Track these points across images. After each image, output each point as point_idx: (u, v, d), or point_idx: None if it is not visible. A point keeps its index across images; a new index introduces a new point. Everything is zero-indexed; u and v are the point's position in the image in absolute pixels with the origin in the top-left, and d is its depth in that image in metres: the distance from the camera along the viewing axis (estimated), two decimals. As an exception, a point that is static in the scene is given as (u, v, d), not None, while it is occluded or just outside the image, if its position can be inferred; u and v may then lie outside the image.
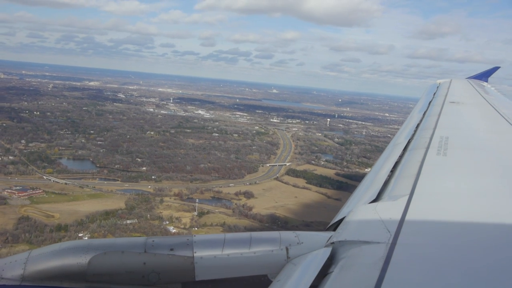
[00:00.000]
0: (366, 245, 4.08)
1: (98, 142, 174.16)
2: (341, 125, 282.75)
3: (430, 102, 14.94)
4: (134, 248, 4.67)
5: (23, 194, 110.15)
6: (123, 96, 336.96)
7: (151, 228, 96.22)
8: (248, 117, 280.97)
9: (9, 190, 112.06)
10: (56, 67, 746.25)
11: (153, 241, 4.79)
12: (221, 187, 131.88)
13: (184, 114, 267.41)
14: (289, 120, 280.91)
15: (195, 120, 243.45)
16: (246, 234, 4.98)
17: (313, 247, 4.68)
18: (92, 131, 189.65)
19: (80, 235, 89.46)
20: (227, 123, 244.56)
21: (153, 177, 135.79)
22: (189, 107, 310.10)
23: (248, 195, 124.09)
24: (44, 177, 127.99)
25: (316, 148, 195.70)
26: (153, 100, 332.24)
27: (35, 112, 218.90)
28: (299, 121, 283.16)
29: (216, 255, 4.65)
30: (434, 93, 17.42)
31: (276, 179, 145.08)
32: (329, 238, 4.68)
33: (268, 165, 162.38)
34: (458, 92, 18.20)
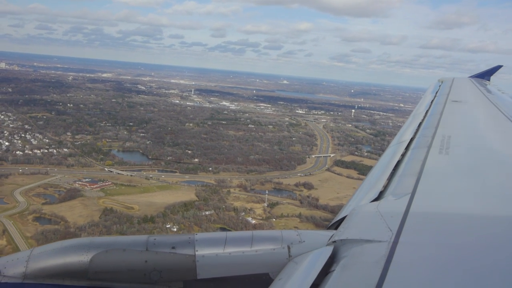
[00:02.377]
0: (368, 243, 4.09)
1: (141, 134, 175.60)
2: (364, 116, 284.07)
3: (432, 100, 14.89)
4: (136, 246, 4.72)
5: (94, 186, 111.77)
6: (143, 88, 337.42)
7: (230, 219, 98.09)
8: (273, 108, 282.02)
9: (80, 182, 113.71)
10: (65, 58, 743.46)
11: (154, 239, 4.83)
12: (278, 178, 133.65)
13: (211, 106, 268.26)
14: (314, 111, 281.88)
15: (225, 112, 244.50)
16: (248, 233, 5.03)
17: (314, 245, 4.72)
18: (131, 123, 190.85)
19: (167, 226, 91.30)
20: (256, 114, 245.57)
21: (210, 168, 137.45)
22: (211, 98, 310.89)
23: (308, 186, 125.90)
24: (106, 169, 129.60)
25: (353, 139, 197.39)
26: (173, 91, 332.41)
27: (68, 105, 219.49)
28: (323, 112, 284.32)
29: (217, 253, 4.71)
30: (437, 92, 17.34)
31: (328, 170, 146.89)
32: (331, 236, 4.70)
33: (313, 156, 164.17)
34: (460, 90, 18.21)
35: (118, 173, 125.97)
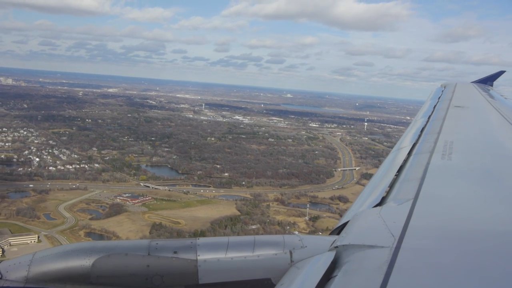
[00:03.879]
0: (370, 249, 4.06)
1: (165, 149, 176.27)
2: (376, 129, 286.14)
3: (435, 106, 14.83)
4: (138, 250, 4.71)
5: (136, 201, 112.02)
6: (154, 102, 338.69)
7: (277, 233, 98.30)
8: (286, 122, 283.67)
9: (121, 198, 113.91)
10: (68, 74, 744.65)
11: (157, 243, 4.82)
12: (312, 192, 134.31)
13: (225, 120, 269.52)
14: (327, 125, 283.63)
15: (241, 126, 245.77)
16: (250, 238, 5.00)
17: (317, 251, 4.71)
18: (153, 138, 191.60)
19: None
20: (272, 128, 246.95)
21: (243, 183, 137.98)
22: (223, 112, 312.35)
23: (343, 199, 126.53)
24: (141, 183, 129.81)
25: (373, 152, 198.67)
26: (183, 106, 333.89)
27: (87, 120, 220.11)
28: (336, 125, 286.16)
29: (219, 258, 4.69)
30: (439, 97, 17.17)
31: (358, 183, 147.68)
32: (333, 242, 4.67)
33: (339, 169, 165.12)
34: (463, 96, 18.08)
35: (154, 188, 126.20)
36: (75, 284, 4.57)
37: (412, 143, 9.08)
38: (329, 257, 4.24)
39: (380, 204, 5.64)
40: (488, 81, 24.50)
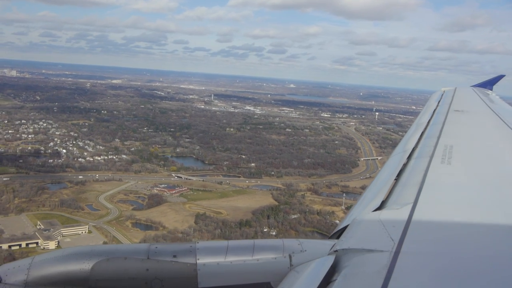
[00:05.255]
0: (370, 253, 4.08)
1: (187, 140, 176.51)
2: (387, 118, 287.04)
3: (434, 110, 14.82)
4: (137, 254, 4.70)
5: (173, 191, 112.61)
6: (162, 93, 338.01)
7: (319, 222, 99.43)
8: (297, 112, 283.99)
9: (158, 188, 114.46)
10: (69, 65, 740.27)
11: (156, 247, 4.82)
12: (341, 181, 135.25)
13: (237, 111, 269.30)
14: (338, 115, 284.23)
15: (255, 117, 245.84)
16: (249, 242, 5.02)
17: (316, 255, 4.69)
18: (172, 129, 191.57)
19: (265, 230, 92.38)
20: (285, 118, 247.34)
21: (272, 173, 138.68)
22: (233, 103, 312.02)
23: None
24: (173, 174, 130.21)
25: (391, 142, 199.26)
26: (192, 97, 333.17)
27: (103, 111, 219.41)
28: (346, 115, 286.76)
29: (219, 262, 4.68)
30: (439, 101, 17.22)
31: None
32: (333, 246, 4.67)
33: (362, 159, 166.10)
34: (462, 100, 18.09)
35: (187, 179, 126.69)
36: None
37: (412, 147, 9.08)
38: (328, 261, 4.26)
39: (379, 208, 5.63)
40: (487, 85, 24.53)
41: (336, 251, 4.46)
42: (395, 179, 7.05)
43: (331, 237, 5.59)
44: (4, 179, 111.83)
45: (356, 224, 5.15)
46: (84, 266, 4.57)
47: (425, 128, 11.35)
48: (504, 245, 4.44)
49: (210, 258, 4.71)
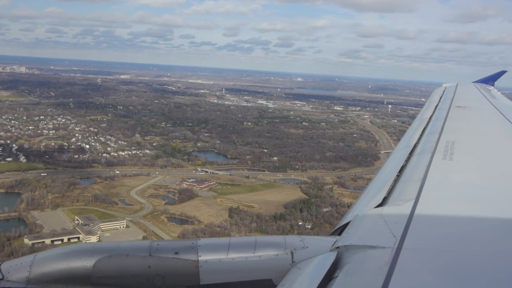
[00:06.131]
0: (372, 249, 4.08)
1: (206, 134, 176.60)
2: (399, 111, 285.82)
3: (436, 106, 14.81)
4: (139, 251, 4.71)
5: (202, 186, 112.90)
6: (173, 88, 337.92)
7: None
8: (310, 106, 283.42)
9: (186, 183, 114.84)
10: (75, 61, 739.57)
11: (158, 244, 4.83)
12: (366, 174, 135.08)
13: (250, 105, 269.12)
14: (351, 108, 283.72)
15: (270, 110, 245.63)
16: (251, 238, 5.01)
17: (318, 251, 4.68)
18: (189, 123, 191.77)
19: (299, 223, 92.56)
20: (300, 112, 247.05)
21: (296, 166, 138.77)
22: (245, 97, 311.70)
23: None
24: (198, 169, 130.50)
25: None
26: (203, 91, 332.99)
27: (118, 107, 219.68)
28: (359, 108, 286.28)
29: (220, 259, 4.69)
30: (441, 97, 17.23)
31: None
32: (334, 242, 4.66)
33: (383, 152, 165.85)
34: (464, 96, 18.08)
35: (213, 173, 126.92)
36: (76, 285, 4.57)
37: (414, 143, 9.06)
38: (330, 258, 4.23)
39: (381, 204, 5.60)
40: (489, 81, 24.56)
41: (338, 247, 4.43)
42: (397, 175, 7.03)
43: (332, 234, 5.59)
44: (42, 174, 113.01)
45: (358, 221, 5.11)
46: (86, 263, 4.58)
47: (427, 124, 11.30)
48: (507, 241, 4.41)
49: (212, 255, 4.71)
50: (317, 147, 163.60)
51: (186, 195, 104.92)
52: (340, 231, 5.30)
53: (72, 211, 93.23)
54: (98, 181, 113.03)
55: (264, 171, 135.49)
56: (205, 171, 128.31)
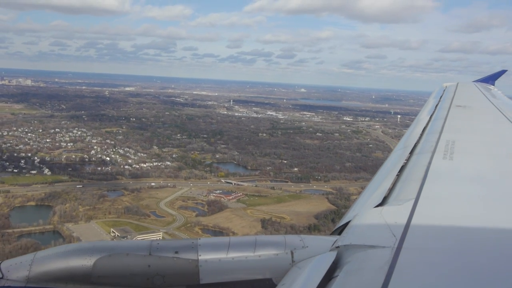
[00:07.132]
0: (372, 249, 4.06)
1: (222, 145, 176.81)
2: (408, 121, 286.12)
3: (436, 105, 14.71)
4: (139, 250, 4.73)
5: (230, 197, 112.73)
6: (181, 100, 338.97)
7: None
8: (319, 117, 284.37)
9: (214, 194, 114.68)
10: (79, 74, 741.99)
11: (158, 243, 4.85)
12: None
13: (260, 116, 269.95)
14: (360, 118, 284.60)
15: (281, 122, 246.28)
16: (251, 238, 5.02)
17: (318, 251, 4.69)
18: (205, 135, 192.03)
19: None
20: (311, 123, 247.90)
21: (318, 177, 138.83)
22: (254, 108, 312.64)
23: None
24: (222, 180, 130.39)
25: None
26: (211, 103, 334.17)
27: (131, 119, 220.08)
28: (368, 118, 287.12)
29: (220, 258, 4.70)
30: (441, 97, 17.11)
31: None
32: (334, 242, 4.67)
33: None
34: (464, 95, 17.99)
35: (237, 184, 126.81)
36: (76, 284, 4.59)
37: (414, 143, 9.02)
38: (330, 257, 4.24)
39: (381, 204, 5.61)
40: (489, 80, 24.39)
41: (338, 247, 4.43)
42: (397, 175, 7.02)
43: (332, 233, 5.58)
44: (78, 186, 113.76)
45: (358, 220, 5.09)
46: (86, 262, 4.59)
47: (427, 124, 11.26)
48: (507, 241, 4.39)
49: (212, 255, 4.72)
50: (335, 157, 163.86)
51: (216, 207, 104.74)
52: (340, 230, 5.30)
53: (106, 223, 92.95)
54: (125, 193, 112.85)
55: (287, 182, 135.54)
56: (229, 183, 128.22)
